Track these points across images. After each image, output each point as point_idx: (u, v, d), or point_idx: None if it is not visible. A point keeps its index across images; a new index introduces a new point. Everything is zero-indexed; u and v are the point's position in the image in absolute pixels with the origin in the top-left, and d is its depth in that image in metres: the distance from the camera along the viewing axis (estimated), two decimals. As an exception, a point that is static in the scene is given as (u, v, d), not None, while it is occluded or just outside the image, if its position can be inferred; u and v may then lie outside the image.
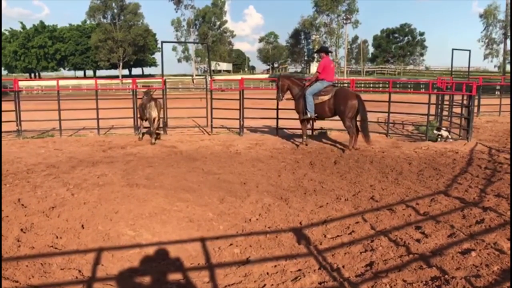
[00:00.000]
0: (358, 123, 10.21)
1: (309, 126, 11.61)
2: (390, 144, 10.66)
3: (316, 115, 10.41)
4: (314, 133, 12.21)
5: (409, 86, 39.80)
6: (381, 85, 39.51)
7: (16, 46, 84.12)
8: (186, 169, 8.20)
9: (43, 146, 10.63)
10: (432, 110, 11.29)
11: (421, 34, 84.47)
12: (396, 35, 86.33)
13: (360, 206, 5.89)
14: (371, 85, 41.18)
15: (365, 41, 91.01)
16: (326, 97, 10.14)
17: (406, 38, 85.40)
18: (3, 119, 11.95)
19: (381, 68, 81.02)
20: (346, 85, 41.96)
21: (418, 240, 4.38)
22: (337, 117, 10.58)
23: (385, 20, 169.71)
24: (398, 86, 38.43)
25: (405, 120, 14.97)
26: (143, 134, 11.83)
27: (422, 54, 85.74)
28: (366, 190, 6.69)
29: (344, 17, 73.76)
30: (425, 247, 4.18)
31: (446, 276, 3.49)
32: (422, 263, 3.81)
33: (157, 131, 11.50)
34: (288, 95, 11.05)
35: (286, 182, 7.38)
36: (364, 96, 14.50)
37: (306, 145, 10.55)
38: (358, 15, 78.33)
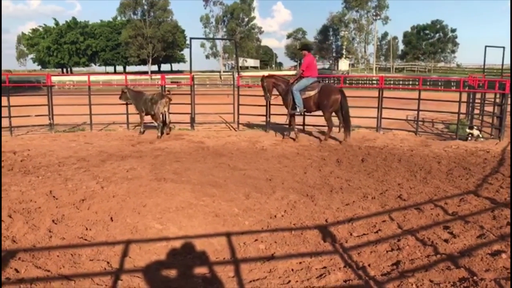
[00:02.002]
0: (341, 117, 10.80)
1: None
2: (419, 142, 10.49)
3: (304, 109, 10.93)
4: (340, 130, 12.12)
5: (439, 83, 38.93)
6: (410, 83, 38.88)
7: (50, 42, 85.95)
8: (212, 165, 8.26)
9: (74, 140, 10.88)
10: (463, 109, 11.05)
11: (453, 30, 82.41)
12: (427, 31, 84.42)
13: (387, 205, 5.82)
14: (401, 82, 40.53)
15: (395, 38, 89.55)
16: (312, 93, 10.69)
17: (437, 34, 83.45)
18: (37, 112, 12.30)
19: (411, 65, 79.57)
20: (375, 82, 41.52)
21: (446, 240, 4.31)
22: (364, 115, 10.48)
23: (416, 17, 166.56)
24: (428, 83, 37.76)
25: (435, 118, 14.70)
26: (144, 130, 12.06)
27: (453, 51, 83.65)
28: (393, 189, 6.60)
29: (374, 13, 72.75)
30: (453, 248, 4.11)
31: (475, 277, 3.42)
32: (450, 264, 3.75)
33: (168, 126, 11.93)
34: (275, 93, 11.49)
35: (312, 179, 7.35)
36: (393, 94, 14.30)
37: (295, 139, 11.00)
38: (388, 11, 76.80)
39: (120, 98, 12.20)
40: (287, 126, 11.57)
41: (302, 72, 10.76)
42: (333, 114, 10.85)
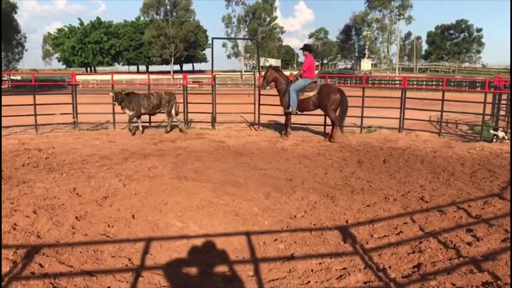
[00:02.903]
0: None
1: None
2: (442, 144, 10.33)
3: (297, 111, 11.16)
4: (362, 131, 12.04)
5: (464, 84, 38.31)
6: (434, 83, 38.31)
7: (74, 41, 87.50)
8: (233, 164, 8.29)
9: (98, 138, 11.06)
10: (488, 110, 10.84)
11: (478, 30, 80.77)
12: (452, 31, 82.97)
13: (409, 207, 5.75)
14: (424, 83, 39.99)
15: (418, 38, 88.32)
16: (311, 93, 10.91)
17: (462, 34, 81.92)
18: (61, 111, 12.54)
19: (435, 65, 78.35)
20: (397, 82, 41.03)
21: (469, 243, 4.24)
22: (387, 115, 10.36)
23: (440, 16, 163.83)
24: (452, 84, 37.16)
25: (458, 119, 14.46)
26: (136, 128, 11.95)
27: (479, 51, 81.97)
28: (415, 191, 6.52)
29: (397, 13, 71.82)
30: (476, 251, 4.05)
31: (499, 282, 3.37)
32: (473, 267, 3.69)
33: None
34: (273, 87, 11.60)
35: (333, 179, 7.31)
36: (416, 94, 14.12)
37: (287, 137, 11.23)
38: (412, 10, 75.82)
39: (116, 102, 11.44)
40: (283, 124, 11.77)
41: (303, 73, 11.01)
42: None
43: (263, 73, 11.75)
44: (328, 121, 11.90)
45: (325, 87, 11.05)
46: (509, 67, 18.90)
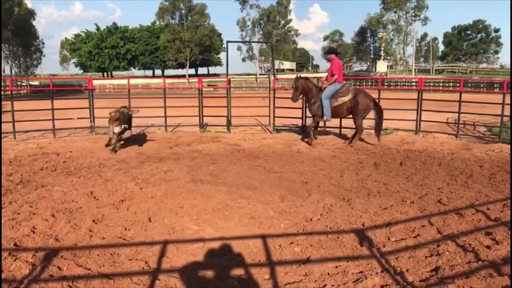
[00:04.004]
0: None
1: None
2: (460, 145, 10.20)
3: (330, 118, 10.69)
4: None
5: (481, 85, 37.77)
6: (451, 84, 37.86)
7: (91, 46, 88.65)
8: (248, 167, 8.30)
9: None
10: (507, 111, 10.65)
11: (496, 30, 79.70)
12: (468, 32, 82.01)
13: (427, 209, 5.69)
14: (441, 84, 39.55)
15: (435, 39, 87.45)
16: (346, 98, 10.42)
17: (479, 35, 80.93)
18: (79, 115, 12.70)
19: (452, 66, 77.41)
20: (414, 84, 40.69)
21: (488, 247, 4.17)
22: (403, 117, 10.25)
23: (457, 17, 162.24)
24: (469, 85, 36.63)
25: (476, 121, 14.27)
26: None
27: (496, 52, 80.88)
28: (433, 193, 6.45)
29: (413, 14, 71.19)
30: (495, 254, 3.98)
31: (519, 286, 3.31)
32: (492, 271, 3.63)
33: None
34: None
35: (349, 182, 7.27)
36: (433, 96, 13.97)
37: (312, 145, 10.61)
38: (428, 11, 74.96)
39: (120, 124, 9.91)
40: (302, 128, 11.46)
41: (337, 77, 10.41)
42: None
43: (277, 76, 11.58)
44: (345, 124, 11.86)
45: (361, 92, 10.68)
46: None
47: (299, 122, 12.53)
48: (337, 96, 10.42)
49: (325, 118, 10.63)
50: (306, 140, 11.04)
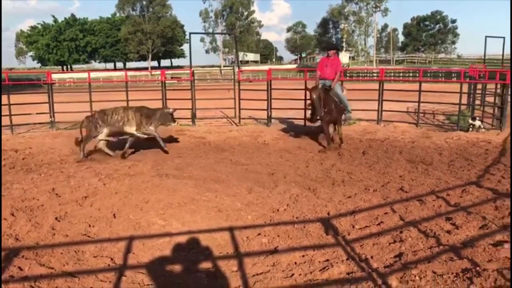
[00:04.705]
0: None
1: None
2: (420, 134, 10.47)
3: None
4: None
5: (440, 75, 38.91)
6: (411, 74, 38.79)
7: (49, 39, 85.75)
8: (214, 160, 8.27)
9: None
10: (464, 100, 11.02)
11: (453, 21, 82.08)
12: (427, 23, 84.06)
13: (389, 197, 5.84)
14: (401, 74, 40.43)
15: (395, 30, 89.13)
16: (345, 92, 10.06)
17: (437, 26, 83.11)
18: (37, 110, 12.30)
19: (411, 57, 79.28)
20: (375, 74, 41.43)
21: (448, 232, 4.32)
22: (365, 107, 10.44)
23: (416, 8, 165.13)
24: (428, 75, 37.65)
25: (435, 109, 14.67)
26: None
27: (454, 42, 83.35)
28: (395, 181, 6.61)
29: (373, 5, 72.49)
30: (455, 239, 4.13)
31: (478, 268, 3.44)
32: (453, 255, 3.76)
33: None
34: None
35: (314, 172, 7.36)
36: (393, 86, 14.26)
37: (327, 146, 9.47)
38: (388, 2, 76.34)
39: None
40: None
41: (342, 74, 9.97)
42: None
43: (242, 68, 11.25)
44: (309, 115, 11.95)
45: None
46: (482, 57, 19.17)
47: (264, 114, 12.54)
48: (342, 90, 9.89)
49: (349, 114, 10.08)
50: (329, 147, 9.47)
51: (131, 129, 8.64)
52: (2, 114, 11.41)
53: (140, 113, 8.67)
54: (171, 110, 8.96)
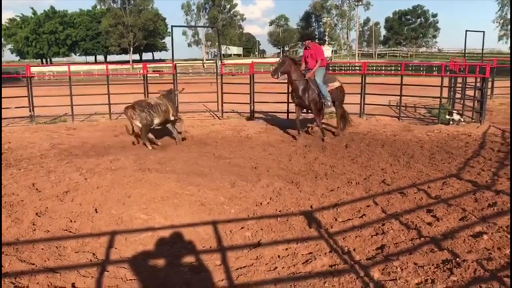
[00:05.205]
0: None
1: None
2: (402, 127, 10.58)
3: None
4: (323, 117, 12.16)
5: (421, 68, 39.29)
6: (393, 68, 39.11)
7: (28, 32, 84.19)
8: (197, 154, 8.24)
9: (56, 131, 10.72)
10: (445, 93, 11.15)
11: (434, 15, 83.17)
12: (409, 17, 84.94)
13: (371, 190, 5.89)
14: (383, 68, 40.75)
15: (376, 24, 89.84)
16: (336, 84, 9.86)
17: (418, 20, 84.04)
18: (16, 104, 12.08)
19: (393, 50, 79.99)
20: (357, 68, 41.69)
21: (429, 224, 4.38)
22: (347, 101, 10.51)
23: (397, 2, 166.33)
24: (410, 68, 38.00)
25: (417, 103, 14.83)
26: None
27: (435, 36, 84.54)
28: (377, 174, 6.67)
29: (356, -1, 72.80)
30: (436, 230, 4.19)
31: (458, 259, 3.50)
32: (434, 246, 3.82)
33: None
34: (284, 78, 10.00)
35: (297, 166, 7.39)
36: (375, 79, 14.37)
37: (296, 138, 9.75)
38: (370, -4, 76.74)
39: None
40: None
41: (324, 62, 9.74)
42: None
43: (224, 61, 11.29)
44: (292, 109, 11.96)
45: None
46: (463, 51, 19.49)
47: (247, 108, 12.52)
48: (326, 81, 9.71)
49: (329, 104, 9.71)
50: (324, 138, 9.63)
51: (171, 116, 9.33)
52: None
53: (170, 100, 9.46)
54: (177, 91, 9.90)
